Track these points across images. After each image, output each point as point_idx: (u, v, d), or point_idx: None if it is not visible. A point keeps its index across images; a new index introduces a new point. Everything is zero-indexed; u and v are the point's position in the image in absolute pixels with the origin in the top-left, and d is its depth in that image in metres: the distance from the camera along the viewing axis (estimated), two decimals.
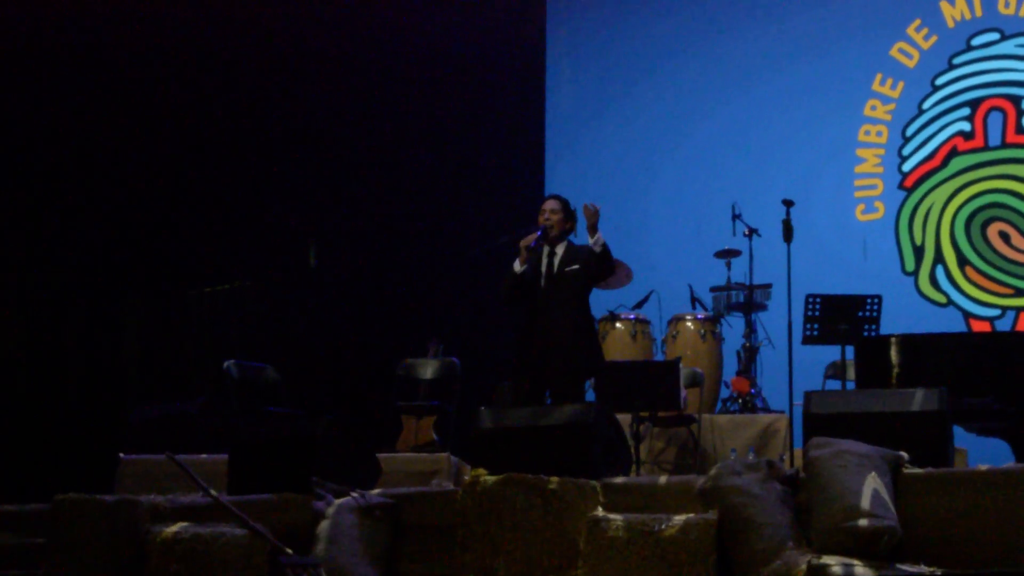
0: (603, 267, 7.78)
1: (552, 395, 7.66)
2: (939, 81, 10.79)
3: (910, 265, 10.60)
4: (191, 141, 10.86)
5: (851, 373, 8.26)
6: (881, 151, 10.84)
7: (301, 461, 5.94)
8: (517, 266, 7.75)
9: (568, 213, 7.92)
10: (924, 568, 4.90)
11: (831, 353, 8.92)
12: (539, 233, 7.79)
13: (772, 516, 5.05)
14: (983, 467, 5.21)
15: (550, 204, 7.93)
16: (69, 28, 10.42)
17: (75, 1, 10.41)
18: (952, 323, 10.28)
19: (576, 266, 7.76)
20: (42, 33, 10.38)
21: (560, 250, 7.84)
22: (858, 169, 10.87)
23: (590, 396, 8.45)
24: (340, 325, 11.14)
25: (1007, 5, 10.65)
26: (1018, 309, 10.30)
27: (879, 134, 10.85)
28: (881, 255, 10.65)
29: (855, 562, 4.81)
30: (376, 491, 5.96)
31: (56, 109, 10.40)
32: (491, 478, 5.41)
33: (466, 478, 5.58)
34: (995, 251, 10.43)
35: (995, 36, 10.70)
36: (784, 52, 11.17)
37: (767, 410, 9.20)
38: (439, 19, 11.53)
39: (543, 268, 7.81)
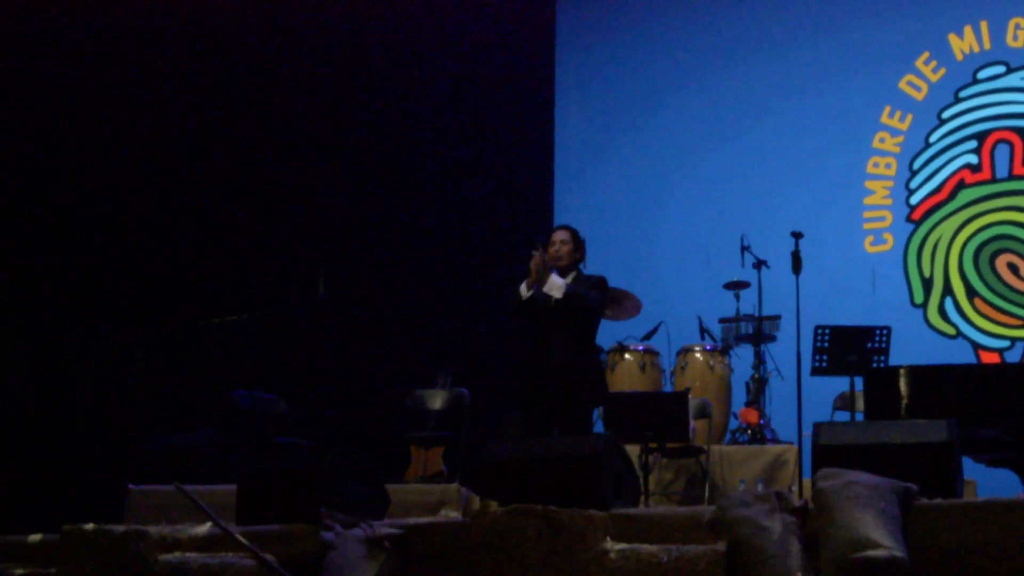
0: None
1: (557, 424, 7.60)
2: (946, 115, 10.81)
3: (919, 297, 10.60)
4: (200, 170, 10.89)
5: (860, 404, 8.26)
6: (890, 183, 10.85)
7: (309, 492, 5.93)
8: (524, 290, 7.69)
9: (577, 243, 7.88)
10: None
11: (840, 384, 8.91)
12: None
13: (781, 547, 5.04)
14: (993, 499, 5.19)
15: (560, 235, 7.87)
16: (71, 55, 10.48)
17: (70, 36, 10.48)
18: (962, 355, 10.28)
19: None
20: (46, 54, 10.44)
21: (568, 279, 7.82)
22: (867, 201, 10.88)
23: (598, 428, 8.44)
24: (349, 356, 11.14)
25: (1015, 38, 10.68)
26: None
27: (888, 166, 10.87)
28: (890, 287, 10.65)
29: None
30: (384, 522, 5.95)
31: (65, 135, 10.43)
32: (500, 509, 5.40)
33: (475, 509, 5.57)
34: (1004, 283, 10.44)
35: (1001, 69, 10.73)
36: (792, 85, 11.21)
37: (776, 441, 9.18)
38: (448, 50, 11.59)
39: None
